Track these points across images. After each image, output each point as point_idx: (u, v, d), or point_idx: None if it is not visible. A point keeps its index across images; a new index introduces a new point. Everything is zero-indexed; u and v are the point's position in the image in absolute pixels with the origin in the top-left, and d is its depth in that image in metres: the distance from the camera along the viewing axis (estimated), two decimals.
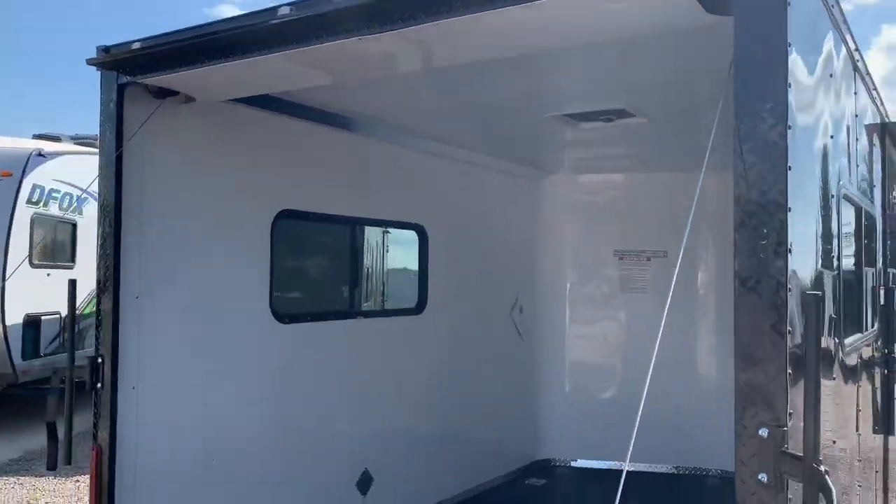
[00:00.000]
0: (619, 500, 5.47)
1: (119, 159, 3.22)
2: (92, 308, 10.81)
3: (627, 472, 6.73)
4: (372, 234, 4.99)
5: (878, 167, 4.15)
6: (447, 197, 5.36)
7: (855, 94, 3.24)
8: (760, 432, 1.81)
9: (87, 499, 6.43)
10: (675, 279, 2.19)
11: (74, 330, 3.32)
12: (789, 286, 1.84)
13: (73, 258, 9.36)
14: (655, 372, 6.81)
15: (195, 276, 3.59)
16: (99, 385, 3.21)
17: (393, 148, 4.76)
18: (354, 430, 4.53)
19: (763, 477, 1.79)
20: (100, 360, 3.21)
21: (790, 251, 1.86)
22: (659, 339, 2.06)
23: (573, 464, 6.35)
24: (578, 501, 5.60)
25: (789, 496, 1.79)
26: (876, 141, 4.06)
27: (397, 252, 5.66)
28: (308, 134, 4.18)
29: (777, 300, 1.82)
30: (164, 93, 3.35)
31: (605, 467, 6.25)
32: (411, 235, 5.05)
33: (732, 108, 1.93)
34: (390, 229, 4.88)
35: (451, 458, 5.34)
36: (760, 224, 1.87)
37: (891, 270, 4.71)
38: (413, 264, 5.13)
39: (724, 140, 5.74)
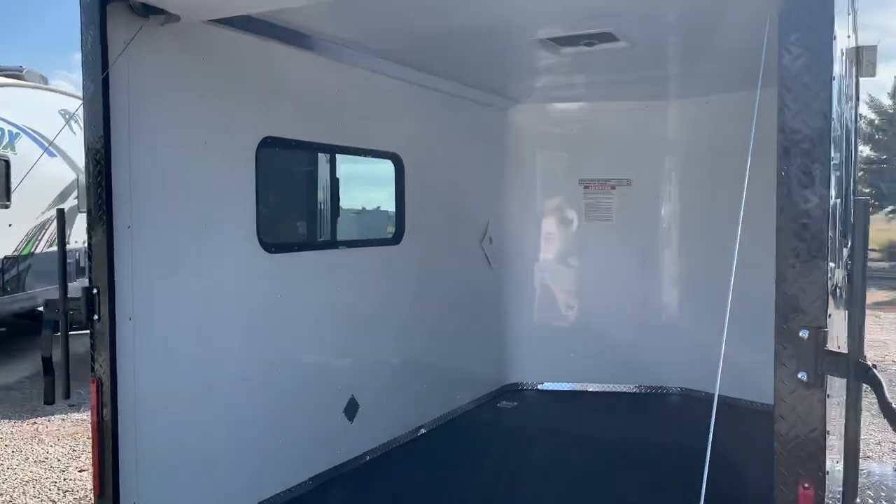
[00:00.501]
0: (587, 416, 5.62)
1: (105, 83, 3.08)
2: (30, 249, 10.39)
3: (592, 392, 6.98)
4: (351, 164, 4.92)
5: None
6: (421, 126, 5.32)
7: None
8: (801, 334, 1.90)
9: (46, 440, 6.31)
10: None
11: (66, 261, 3.21)
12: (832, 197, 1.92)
13: (7, 197, 8.91)
14: (618, 298, 7.09)
15: (185, 205, 3.50)
16: (96, 317, 3.13)
17: (371, 76, 4.68)
18: (340, 358, 4.56)
19: (803, 375, 1.90)
20: (95, 291, 3.13)
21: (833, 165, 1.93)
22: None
23: (540, 387, 6.55)
24: (547, 421, 5.79)
25: (828, 393, 1.90)
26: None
27: (374, 182, 5.61)
28: (290, 59, 4.07)
29: (820, 209, 1.89)
30: (147, 10, 3.20)
31: (570, 388, 6.47)
32: (388, 165, 5.01)
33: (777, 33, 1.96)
34: (367, 158, 4.82)
35: (429, 385, 5.43)
36: (807, 150, 1.92)
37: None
38: (389, 194, 5.10)
39: (683, 69, 5.79)
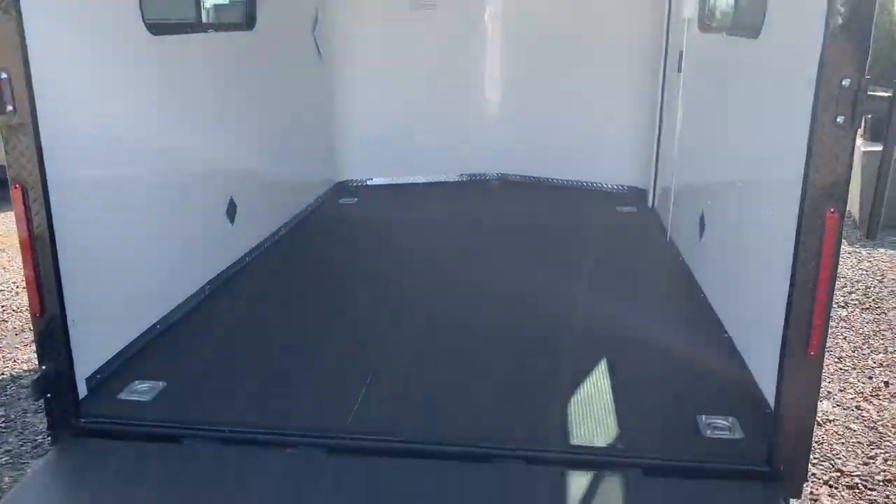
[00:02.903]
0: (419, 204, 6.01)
1: None
2: None
3: (420, 183, 7.34)
4: None
5: None
6: None
7: None
8: (843, 83, 2.21)
9: None
10: None
11: None
12: None
13: None
14: (443, 89, 7.28)
15: None
16: (10, 108, 2.55)
17: None
18: (217, 156, 4.20)
19: (840, 119, 2.24)
20: (3, 76, 2.52)
21: None
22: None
23: (369, 182, 6.61)
24: (390, 210, 5.94)
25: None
26: None
27: None
28: None
29: None
30: None
31: (401, 182, 6.63)
32: None
33: None
34: None
35: (285, 186, 5.29)
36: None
37: None
38: None
39: None
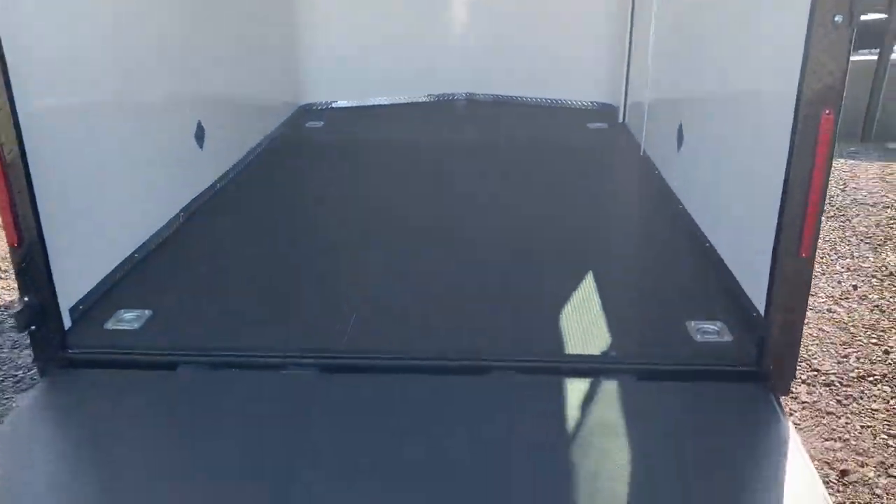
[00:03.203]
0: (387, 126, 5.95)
1: None
2: None
3: (386, 104, 7.22)
4: None
5: None
6: None
7: None
8: None
9: None
10: None
11: None
12: None
13: None
14: (408, 8, 7.06)
15: None
16: None
17: None
18: (183, 79, 4.04)
19: (838, 18, 2.22)
20: None
21: None
22: None
23: (334, 105, 6.45)
24: (356, 134, 5.83)
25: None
26: None
27: None
28: None
29: None
30: None
31: (367, 104, 6.48)
32: None
33: None
34: None
35: (250, 110, 5.15)
36: None
37: None
38: None
39: None
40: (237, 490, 2.19)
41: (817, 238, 2.46)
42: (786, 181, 2.41)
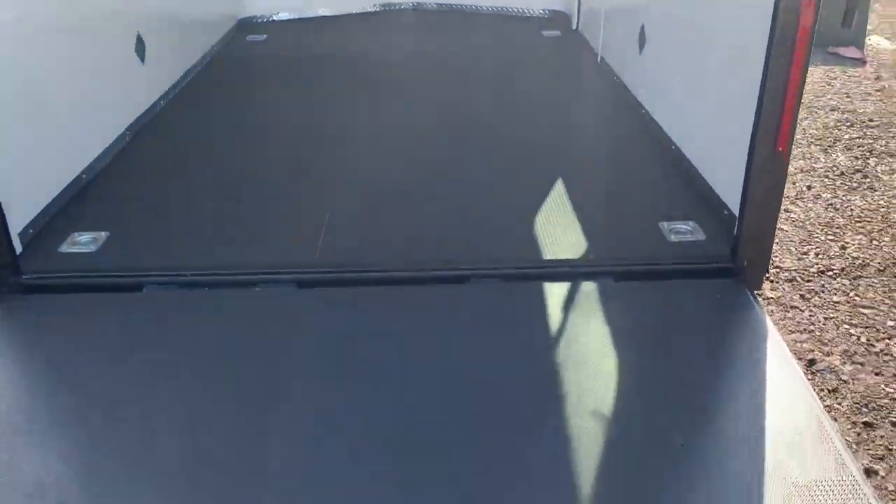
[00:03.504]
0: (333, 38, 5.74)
1: None
2: None
3: (328, 16, 6.99)
4: None
5: None
6: None
7: None
8: None
9: None
10: None
11: None
12: None
13: None
14: None
15: None
16: None
17: None
18: None
19: None
20: None
21: None
22: None
23: (275, 18, 6.15)
24: (301, 48, 5.57)
25: None
26: None
27: None
28: None
29: None
30: None
31: (310, 16, 6.20)
32: None
33: None
34: None
35: (189, 23, 4.90)
36: None
37: None
38: None
39: None
40: (217, 412, 2.11)
41: (794, 130, 2.45)
42: (765, 70, 2.37)
